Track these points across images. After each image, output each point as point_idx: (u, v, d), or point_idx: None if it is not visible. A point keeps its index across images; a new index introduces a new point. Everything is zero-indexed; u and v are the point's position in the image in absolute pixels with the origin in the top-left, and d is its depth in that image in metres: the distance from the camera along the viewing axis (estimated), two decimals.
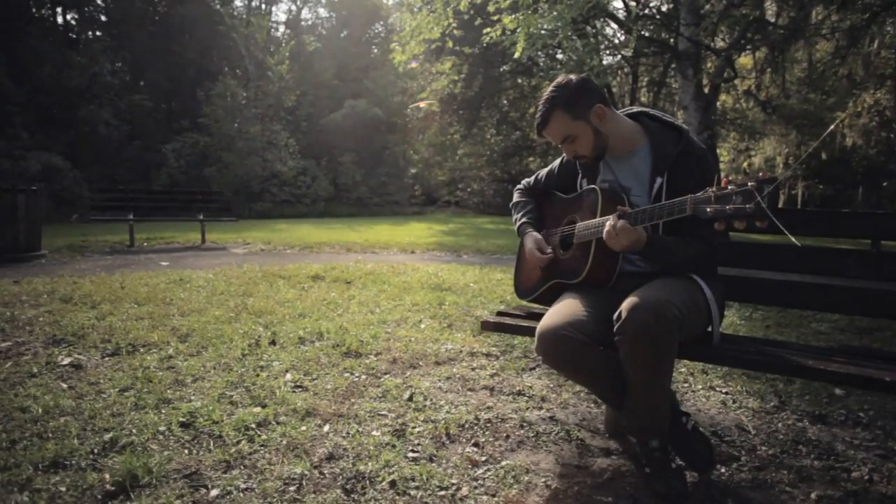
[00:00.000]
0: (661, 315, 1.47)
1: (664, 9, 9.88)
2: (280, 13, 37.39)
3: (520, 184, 2.28)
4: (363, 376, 2.69)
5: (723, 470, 1.87)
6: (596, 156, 1.78)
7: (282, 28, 26.49)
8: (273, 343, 3.17)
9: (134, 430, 2.00)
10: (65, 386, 2.45)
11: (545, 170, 2.19)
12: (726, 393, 2.60)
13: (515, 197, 2.24)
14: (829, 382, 2.14)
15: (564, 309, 1.69)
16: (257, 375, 2.62)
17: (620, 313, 1.53)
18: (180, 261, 6.84)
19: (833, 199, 17.24)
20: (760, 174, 1.24)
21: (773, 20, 8.36)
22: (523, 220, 2.11)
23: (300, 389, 2.49)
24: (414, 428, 2.11)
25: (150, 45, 19.38)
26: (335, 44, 24.65)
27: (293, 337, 3.27)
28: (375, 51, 25.21)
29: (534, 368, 2.86)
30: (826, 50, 10.67)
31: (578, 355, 1.61)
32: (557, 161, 2.12)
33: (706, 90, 8.00)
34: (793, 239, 1.44)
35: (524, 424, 2.18)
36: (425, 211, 21.49)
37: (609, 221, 1.57)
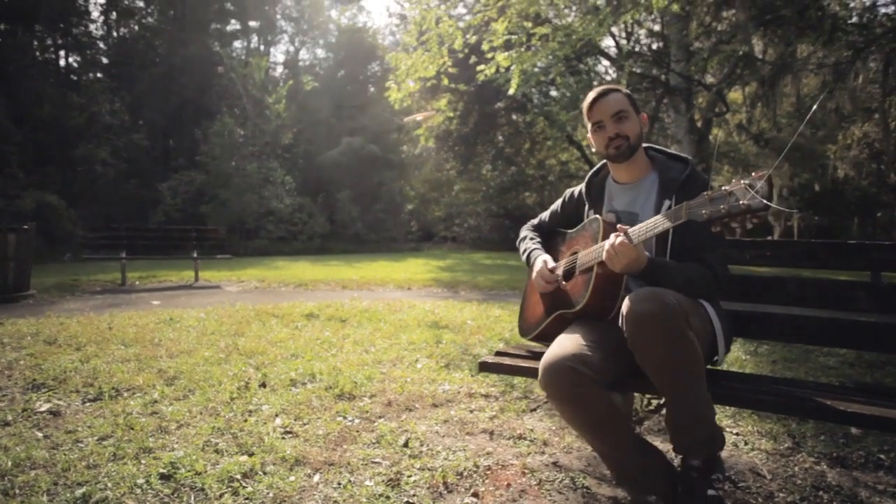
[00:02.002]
0: (661, 302, 1.43)
1: (654, 46, 10.13)
2: (279, 54, 38.12)
3: (525, 225, 2.28)
4: (357, 420, 2.56)
5: None
6: (631, 149, 1.78)
7: (280, 68, 27.05)
8: (263, 385, 3.05)
9: (110, 484, 1.87)
10: (40, 435, 2.32)
11: (548, 211, 2.20)
12: (737, 434, 2.48)
13: (522, 233, 2.23)
14: (853, 426, 2.04)
15: (570, 341, 1.62)
16: (245, 421, 2.50)
17: (623, 312, 1.52)
18: (172, 300, 6.72)
19: (828, 230, 17.32)
20: (753, 174, 1.28)
21: (761, 56, 8.56)
22: (533, 246, 2.08)
23: (290, 435, 2.36)
24: (409, 477, 1.99)
25: (149, 86, 19.70)
26: (332, 82, 25.11)
27: (284, 379, 3.15)
28: (372, 89, 25.66)
29: (535, 409, 2.74)
30: (814, 85, 10.91)
31: (585, 391, 1.53)
32: (559, 200, 2.13)
33: (699, 124, 8.10)
34: (794, 212, 1.55)
35: (526, 471, 2.05)
36: (422, 247, 21.46)
37: (608, 241, 1.56)
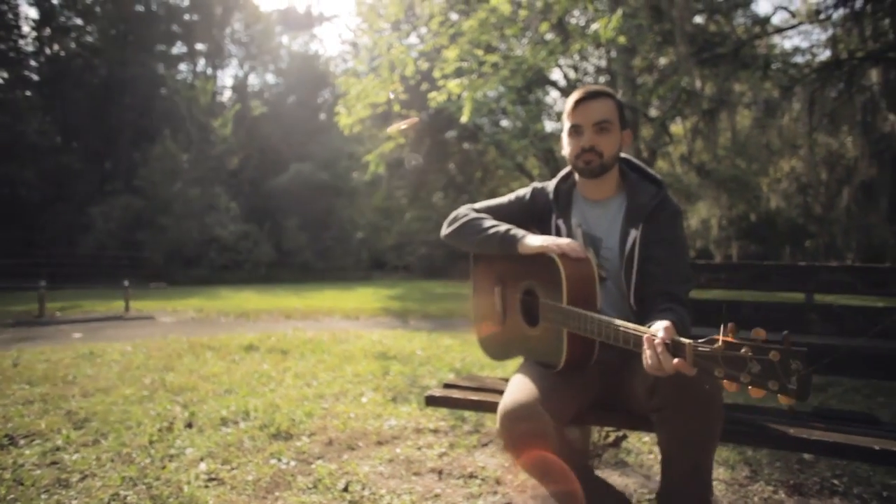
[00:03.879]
0: (716, 390, 1.25)
1: (601, 79, 10.51)
2: (226, 78, 37.36)
3: (461, 208, 1.79)
4: (292, 463, 2.32)
5: None
6: (602, 168, 1.56)
7: (228, 92, 26.45)
8: (189, 426, 2.75)
9: None
10: None
11: (486, 203, 1.79)
12: None
13: (468, 214, 1.73)
14: (817, 454, 1.98)
15: (528, 387, 1.46)
16: (163, 468, 2.20)
17: (656, 381, 1.28)
18: (97, 332, 6.19)
19: (763, 257, 18.25)
20: (784, 335, 0.89)
21: (700, 91, 9.03)
22: (505, 226, 1.62)
23: (215, 483, 2.09)
24: None
25: (85, 106, 18.76)
26: (282, 108, 24.73)
27: (214, 418, 2.86)
28: (323, 116, 25.45)
29: (486, 445, 2.57)
30: (746, 122, 11.59)
31: (543, 442, 1.38)
32: (507, 198, 1.78)
33: (645, 154, 8.36)
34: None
35: None
36: (373, 276, 21.08)
37: (653, 353, 1.12)
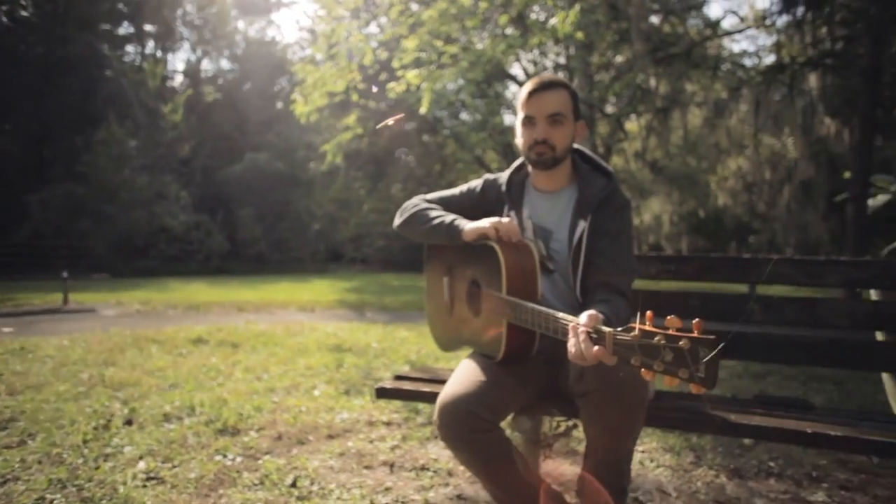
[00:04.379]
0: (640, 379, 1.25)
1: (560, 75, 10.64)
2: (178, 62, 35.88)
3: (412, 199, 1.76)
4: (238, 459, 2.24)
5: None
6: (554, 161, 1.55)
7: (179, 77, 25.38)
8: (129, 423, 2.62)
9: None
10: None
11: (438, 194, 1.77)
12: (643, 451, 2.45)
13: (419, 203, 1.71)
14: (756, 438, 2.06)
15: (467, 380, 1.44)
16: (97, 468, 2.08)
17: (583, 370, 1.29)
18: (31, 326, 5.84)
19: (711, 252, 19.05)
20: (695, 322, 0.89)
21: (654, 90, 9.28)
22: (452, 216, 1.60)
23: (154, 482, 2.00)
24: None
25: (20, 86, 17.60)
26: (237, 96, 23.93)
27: (157, 414, 2.73)
28: (280, 104, 24.80)
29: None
30: (697, 121, 12.01)
31: (482, 436, 1.37)
32: (458, 190, 1.76)
33: (601, 150, 8.53)
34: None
35: None
36: (329, 268, 20.77)
37: (577, 342, 1.11)
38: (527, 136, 1.55)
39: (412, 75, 6.62)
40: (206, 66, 26.36)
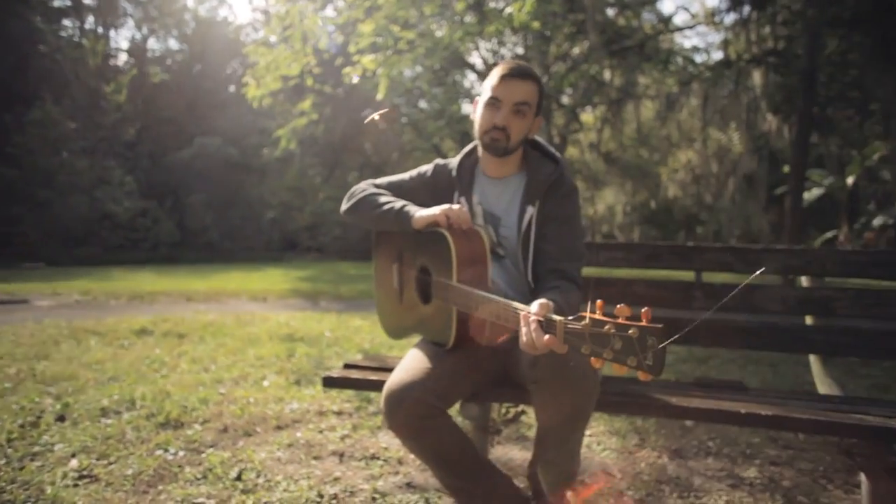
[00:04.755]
0: (591, 368, 1.24)
1: None
2: (121, 40, 34.06)
3: (360, 184, 1.72)
4: (181, 453, 2.16)
5: None
6: (505, 150, 1.54)
7: (123, 56, 24.09)
8: (62, 419, 2.48)
9: None
10: None
11: (387, 179, 1.75)
12: (590, 435, 2.51)
13: (367, 189, 1.68)
14: (694, 420, 2.13)
15: (415, 367, 1.43)
16: (22, 468, 1.97)
17: (537, 358, 1.27)
18: None
19: (662, 241, 19.74)
20: (644, 311, 0.90)
21: (609, 83, 9.47)
22: (402, 202, 1.57)
23: (87, 480, 1.90)
24: None
25: None
26: (186, 78, 22.94)
27: (93, 409, 2.61)
28: (232, 88, 23.95)
29: None
30: (650, 114, 12.35)
31: (430, 423, 1.36)
32: (408, 175, 1.74)
33: (556, 140, 8.65)
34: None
35: (377, 496, 1.84)
36: (284, 257, 20.31)
37: (528, 331, 1.10)
38: (487, 117, 1.53)
39: (368, 60, 6.50)
40: (153, 45, 25.16)
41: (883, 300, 1.88)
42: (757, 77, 9.03)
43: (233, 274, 12.02)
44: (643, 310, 0.90)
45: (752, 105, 9.41)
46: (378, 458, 2.16)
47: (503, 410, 1.92)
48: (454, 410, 1.53)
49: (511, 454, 2.25)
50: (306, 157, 17.88)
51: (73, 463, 2.02)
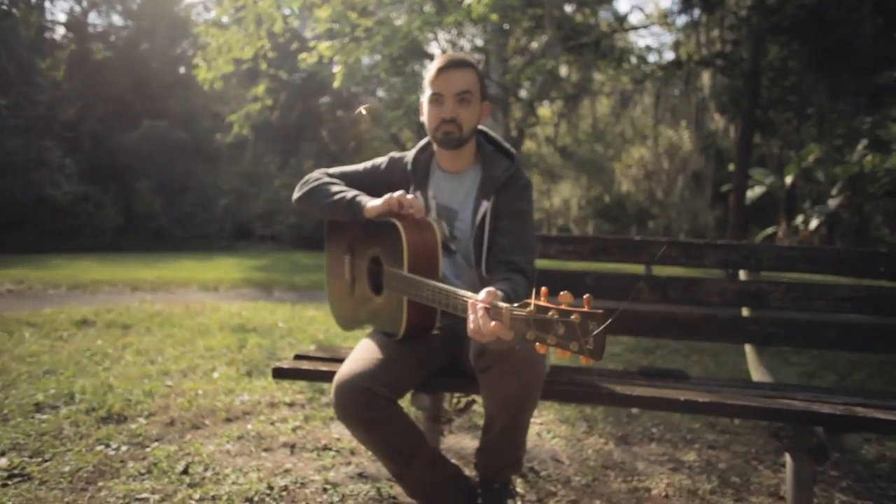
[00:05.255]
0: (536, 354, 1.29)
1: (477, 57, 10.73)
2: (59, 12, 32.05)
3: (314, 172, 1.71)
4: (123, 447, 2.09)
5: None
6: (460, 141, 1.55)
7: (61, 29, 22.65)
8: None
9: None
10: None
11: (340, 169, 1.74)
12: (541, 423, 2.58)
13: (320, 178, 1.67)
14: (637, 407, 2.22)
15: (365, 358, 1.43)
16: None
17: (483, 346, 1.30)
18: None
19: (616, 235, 20.29)
20: (585, 297, 0.94)
21: (566, 78, 9.61)
22: (354, 191, 1.56)
23: (18, 479, 1.82)
24: None
25: None
26: (132, 56, 21.78)
27: (26, 404, 2.48)
28: (182, 69, 22.95)
29: None
30: (605, 111, 12.65)
31: (380, 414, 1.37)
32: (363, 166, 1.73)
33: (514, 133, 8.73)
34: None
35: (328, 487, 1.84)
36: (237, 245, 19.74)
37: (476, 318, 1.12)
38: (434, 113, 1.54)
39: (324, 47, 6.36)
40: (95, 20, 23.78)
41: (810, 293, 2.00)
42: (706, 78, 9.40)
43: (183, 262, 11.61)
44: (585, 296, 0.93)
45: (701, 105, 9.79)
46: (330, 449, 2.15)
47: (455, 400, 1.94)
48: (406, 401, 1.55)
49: (463, 443, 2.29)
50: (260, 143, 17.38)
51: (3, 461, 1.92)
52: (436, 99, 1.54)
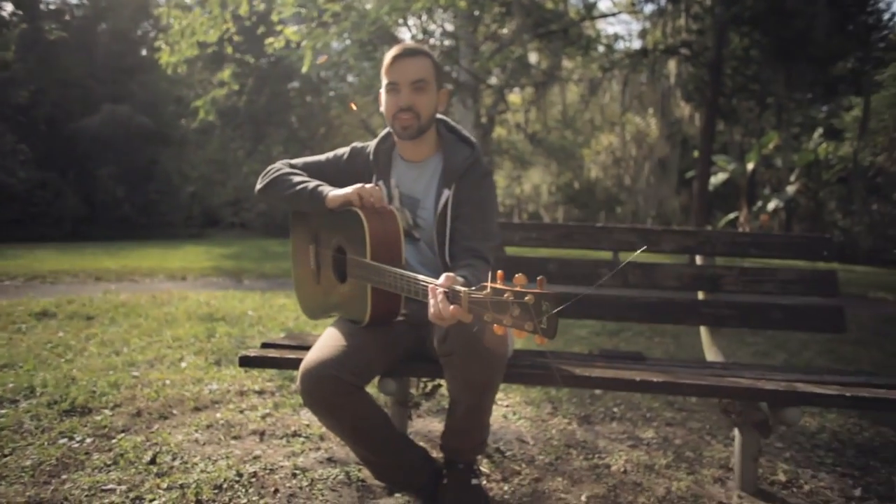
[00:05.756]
0: (499, 337, 1.33)
1: (447, 43, 10.67)
2: None
3: (276, 163, 1.74)
4: (88, 440, 2.07)
5: (506, 487, 1.83)
6: (419, 130, 1.57)
7: (9, 6, 21.52)
8: None
9: None
10: None
11: (302, 160, 1.76)
12: (507, 405, 2.65)
13: (282, 168, 1.69)
14: (595, 388, 2.30)
15: (331, 345, 1.46)
16: None
17: (447, 331, 1.34)
18: None
19: (584, 221, 20.60)
20: (539, 279, 0.98)
21: (536, 65, 9.65)
22: (315, 182, 1.59)
23: None
24: (152, 501, 1.65)
25: None
26: (90, 37, 20.88)
27: None
28: (145, 52, 22.14)
29: None
30: (575, 95, 12.77)
31: (346, 400, 1.40)
32: (325, 157, 1.75)
33: (484, 120, 8.76)
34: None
35: (297, 472, 1.87)
36: (205, 233, 19.34)
37: (435, 302, 1.16)
38: (391, 103, 1.57)
39: (291, 32, 6.25)
40: None
41: (760, 276, 2.11)
42: (672, 66, 9.58)
43: (149, 251, 11.34)
44: (539, 278, 0.97)
45: (667, 93, 9.99)
46: (300, 436, 2.18)
47: (421, 385, 1.99)
48: (374, 387, 1.58)
49: (431, 426, 2.34)
50: (228, 129, 16.97)
51: None
52: (392, 88, 1.56)
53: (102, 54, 20.49)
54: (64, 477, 1.79)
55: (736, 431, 1.87)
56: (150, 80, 20.11)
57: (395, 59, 1.54)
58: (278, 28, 7.03)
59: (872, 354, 3.91)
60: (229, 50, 8.07)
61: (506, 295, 0.98)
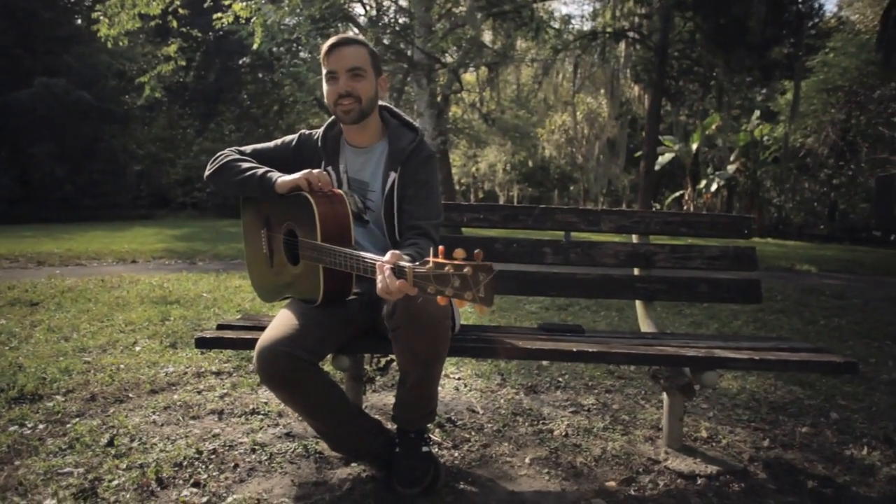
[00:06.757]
0: (440, 308, 1.43)
1: (401, 20, 10.54)
2: None
3: (225, 151, 1.77)
4: (40, 426, 2.08)
5: (456, 453, 1.95)
6: (361, 113, 1.65)
7: None
8: None
9: None
10: None
11: (251, 147, 1.81)
12: (458, 378, 2.78)
13: (230, 154, 1.73)
14: (536, 359, 2.46)
15: (285, 323, 1.53)
16: None
17: (394, 307, 1.43)
18: None
19: (538, 199, 20.94)
20: (476, 252, 1.04)
21: (491, 45, 9.68)
22: (264, 168, 1.63)
23: None
24: (111, 481, 1.69)
25: None
26: (16, 3, 19.54)
27: None
28: (80, 21, 20.82)
29: None
30: (529, 76, 12.92)
31: (301, 375, 1.48)
32: (273, 144, 1.81)
33: (439, 99, 8.79)
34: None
35: (256, 447, 1.94)
36: (155, 214, 18.63)
37: (383, 278, 1.22)
38: (331, 90, 1.65)
39: (239, 7, 6.07)
40: None
41: (689, 253, 2.29)
42: (622, 48, 9.82)
43: (94, 233, 10.89)
44: (476, 251, 1.06)
45: (616, 74, 10.25)
46: (258, 413, 2.24)
47: (375, 360, 2.08)
48: (329, 365, 1.67)
49: (386, 400, 2.45)
50: (176, 105, 16.27)
51: None
52: (331, 76, 1.64)
53: (32, 23, 19.16)
54: (17, 463, 1.80)
55: (664, 395, 2.06)
56: (88, 53, 19.00)
57: (331, 48, 1.62)
58: (226, 3, 6.81)
59: (792, 322, 4.26)
60: (174, 24, 7.75)
61: (447, 268, 1.06)
